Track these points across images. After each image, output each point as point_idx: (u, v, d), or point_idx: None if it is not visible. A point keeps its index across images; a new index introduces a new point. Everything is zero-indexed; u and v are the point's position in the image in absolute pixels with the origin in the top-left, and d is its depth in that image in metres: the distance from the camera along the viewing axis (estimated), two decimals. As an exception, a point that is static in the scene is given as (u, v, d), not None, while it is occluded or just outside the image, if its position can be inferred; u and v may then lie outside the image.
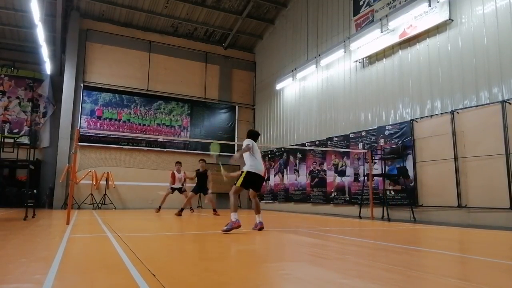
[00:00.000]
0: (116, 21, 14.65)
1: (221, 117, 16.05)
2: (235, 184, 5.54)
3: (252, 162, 5.60)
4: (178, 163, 11.05)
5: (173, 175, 10.80)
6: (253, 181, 5.57)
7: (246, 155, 5.71)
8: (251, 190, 5.74)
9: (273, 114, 15.26)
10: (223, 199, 15.66)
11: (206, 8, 14.48)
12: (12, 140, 9.77)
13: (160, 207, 10.71)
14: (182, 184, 11.00)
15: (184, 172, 11.12)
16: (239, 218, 5.23)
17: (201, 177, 10.34)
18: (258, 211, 5.75)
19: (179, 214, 9.47)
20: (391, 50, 9.61)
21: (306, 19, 13.38)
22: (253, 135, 6.03)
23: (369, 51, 10.08)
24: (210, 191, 10.40)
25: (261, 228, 5.57)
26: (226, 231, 5.10)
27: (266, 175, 5.23)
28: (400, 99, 9.23)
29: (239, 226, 5.20)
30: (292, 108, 13.89)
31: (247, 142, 5.72)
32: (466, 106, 7.60)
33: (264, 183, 5.60)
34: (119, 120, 14.18)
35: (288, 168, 13.48)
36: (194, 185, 10.52)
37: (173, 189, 10.87)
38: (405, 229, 6.19)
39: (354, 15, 10.86)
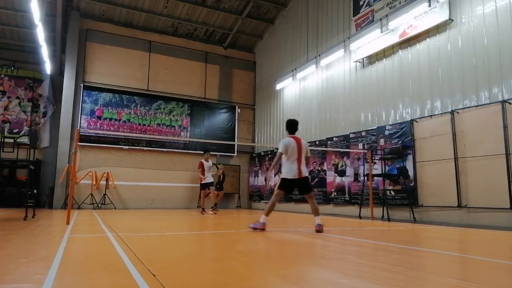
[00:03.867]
0: (116, 21, 14.65)
1: (221, 117, 16.05)
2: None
3: (284, 168, 5.42)
4: (207, 152, 10.88)
5: (201, 165, 10.51)
6: (290, 185, 5.42)
7: (283, 161, 5.49)
8: (304, 194, 5.61)
9: (273, 114, 15.26)
10: (222, 198, 15.70)
11: (206, 8, 14.49)
12: (12, 140, 9.77)
13: (203, 208, 10.57)
14: (220, 176, 11.23)
15: (217, 165, 11.34)
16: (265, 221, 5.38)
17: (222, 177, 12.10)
18: (315, 213, 5.42)
19: (214, 211, 10.44)
20: (391, 50, 9.61)
21: (306, 19, 13.39)
22: (289, 126, 5.67)
23: (369, 51, 10.08)
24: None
25: (318, 231, 5.21)
26: (253, 228, 5.40)
27: (303, 175, 5.35)
28: (400, 99, 9.23)
29: (263, 229, 5.30)
30: (292, 108, 13.89)
31: (280, 147, 5.44)
32: (466, 106, 7.60)
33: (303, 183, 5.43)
34: (119, 120, 14.18)
35: (288, 168, 13.46)
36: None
37: (204, 186, 10.55)
38: (405, 229, 6.19)
39: (354, 15, 10.86)
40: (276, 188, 5.47)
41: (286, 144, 5.43)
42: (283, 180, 5.40)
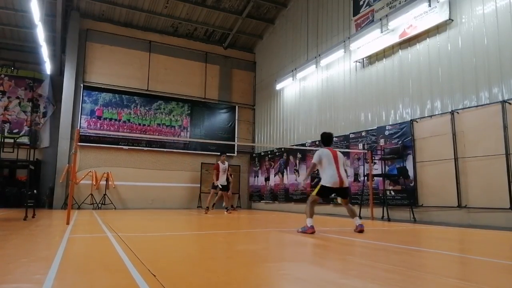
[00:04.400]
0: (116, 21, 14.65)
1: (221, 117, 16.05)
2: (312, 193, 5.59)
3: (324, 175, 5.44)
4: (224, 153, 11.11)
5: (217, 167, 10.65)
6: (328, 192, 5.46)
7: (320, 171, 5.58)
8: (340, 198, 5.69)
9: (273, 114, 15.26)
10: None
11: (206, 8, 14.48)
12: (12, 140, 9.77)
13: (208, 208, 10.72)
14: (228, 178, 11.10)
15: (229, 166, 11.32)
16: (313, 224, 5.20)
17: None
18: (353, 215, 5.56)
19: (229, 211, 10.48)
20: (391, 50, 9.61)
21: (306, 19, 13.38)
22: (324, 139, 5.80)
23: (369, 51, 10.08)
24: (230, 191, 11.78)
25: (360, 231, 5.33)
26: (301, 232, 5.20)
27: (345, 184, 5.43)
28: (400, 99, 9.23)
29: (312, 233, 5.09)
30: (292, 108, 13.88)
31: (314, 157, 5.57)
32: (466, 106, 7.59)
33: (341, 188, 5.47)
34: (119, 120, 14.18)
35: (288, 168, 13.48)
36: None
37: (217, 187, 10.70)
38: (405, 229, 6.19)
39: (354, 15, 10.86)
40: (314, 193, 5.46)
41: (320, 154, 5.52)
42: (323, 187, 5.40)
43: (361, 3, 10.58)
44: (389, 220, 8.20)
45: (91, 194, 12.96)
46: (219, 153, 15.43)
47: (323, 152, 5.53)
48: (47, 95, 14.75)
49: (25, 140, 13.79)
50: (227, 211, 11.06)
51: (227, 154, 11.79)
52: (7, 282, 2.19)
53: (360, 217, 8.87)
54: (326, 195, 5.56)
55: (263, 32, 16.36)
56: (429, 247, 4.23)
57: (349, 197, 5.74)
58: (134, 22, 14.86)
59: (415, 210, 8.28)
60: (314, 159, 5.54)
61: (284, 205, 13.48)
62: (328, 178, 5.37)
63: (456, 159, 7.60)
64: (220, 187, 10.70)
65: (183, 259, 3.19)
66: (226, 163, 10.92)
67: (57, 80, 14.79)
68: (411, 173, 8.52)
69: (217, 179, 10.60)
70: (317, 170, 5.77)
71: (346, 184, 5.43)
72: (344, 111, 11.10)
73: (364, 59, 10.43)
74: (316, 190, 5.46)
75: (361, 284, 2.25)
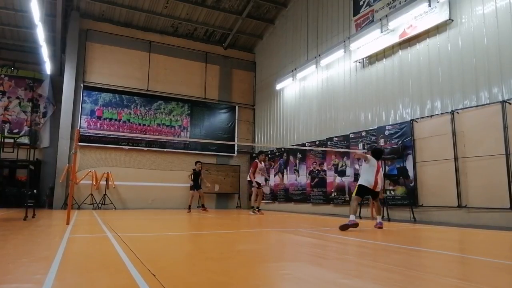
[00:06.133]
0: (116, 21, 14.65)
1: (221, 117, 16.05)
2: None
3: (364, 176, 6.22)
4: (262, 153, 11.64)
5: (255, 165, 10.80)
6: (364, 191, 6.17)
7: (361, 169, 6.39)
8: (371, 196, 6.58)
9: (273, 114, 15.26)
10: (222, 198, 15.73)
11: (206, 8, 14.48)
12: (12, 140, 9.78)
13: (255, 208, 10.73)
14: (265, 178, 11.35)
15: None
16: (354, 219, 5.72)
17: (196, 176, 11.91)
18: (378, 213, 6.40)
19: (189, 211, 10.62)
20: (391, 50, 9.61)
21: (306, 19, 13.39)
22: (374, 152, 6.52)
23: (369, 51, 10.08)
24: (202, 189, 12.02)
25: (379, 227, 6.13)
26: (343, 227, 5.66)
27: (378, 189, 6.25)
28: (400, 99, 9.23)
29: (355, 224, 5.67)
30: (292, 108, 13.89)
31: (368, 156, 6.40)
32: (466, 106, 7.59)
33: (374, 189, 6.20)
34: (119, 120, 14.18)
35: (288, 168, 13.48)
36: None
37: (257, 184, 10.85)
38: (405, 229, 6.19)
39: (354, 15, 10.86)
40: (354, 194, 6.18)
41: (372, 159, 6.32)
42: (360, 186, 6.16)
43: (361, 3, 10.58)
44: (389, 220, 8.20)
45: (91, 194, 12.96)
46: (218, 153, 15.61)
47: (373, 159, 6.32)
48: (47, 95, 14.75)
49: (25, 140, 13.79)
50: (258, 211, 10.72)
51: (263, 155, 11.73)
52: (7, 282, 2.19)
53: (360, 217, 8.93)
54: (363, 194, 6.23)
55: (263, 32, 16.36)
56: (429, 247, 4.23)
57: (379, 197, 6.48)
58: (134, 22, 14.86)
59: (415, 210, 8.28)
60: (368, 156, 6.34)
61: (284, 205, 13.48)
62: (365, 180, 6.15)
63: (456, 159, 7.60)
64: (256, 185, 10.71)
65: (183, 259, 3.19)
66: (263, 163, 11.04)
67: (57, 80, 14.79)
68: (411, 173, 8.52)
69: (254, 177, 10.69)
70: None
71: (378, 189, 6.25)
72: (344, 111, 11.10)
73: (364, 59, 10.43)
74: (355, 190, 6.19)
75: (361, 284, 2.25)
